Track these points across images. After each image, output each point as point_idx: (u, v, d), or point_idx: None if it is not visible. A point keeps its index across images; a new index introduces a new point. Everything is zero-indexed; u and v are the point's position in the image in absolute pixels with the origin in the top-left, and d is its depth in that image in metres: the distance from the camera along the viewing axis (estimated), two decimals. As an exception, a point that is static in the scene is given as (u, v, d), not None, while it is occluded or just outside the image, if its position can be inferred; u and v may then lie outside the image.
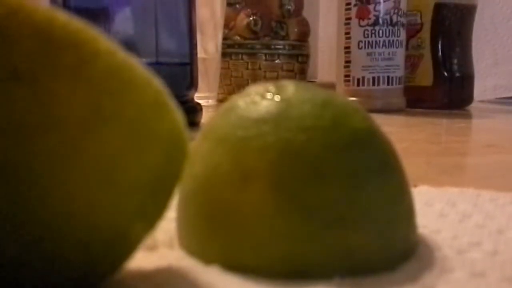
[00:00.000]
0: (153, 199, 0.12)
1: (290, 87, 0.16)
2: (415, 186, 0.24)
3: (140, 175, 0.12)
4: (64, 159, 0.10)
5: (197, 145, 0.16)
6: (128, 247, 0.13)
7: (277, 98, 0.15)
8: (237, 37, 0.84)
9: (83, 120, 0.10)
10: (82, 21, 0.11)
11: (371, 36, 0.70)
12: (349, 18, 0.72)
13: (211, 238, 0.15)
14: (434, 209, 0.20)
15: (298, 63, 0.85)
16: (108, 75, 0.11)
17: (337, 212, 0.14)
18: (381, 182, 0.15)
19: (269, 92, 0.15)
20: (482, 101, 0.92)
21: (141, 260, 0.15)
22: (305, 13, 0.86)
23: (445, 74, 0.77)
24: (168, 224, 0.16)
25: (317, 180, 0.14)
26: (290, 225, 0.14)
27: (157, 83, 0.12)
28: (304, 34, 0.85)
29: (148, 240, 0.13)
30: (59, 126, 0.10)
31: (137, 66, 0.12)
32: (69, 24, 0.11)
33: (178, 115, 0.13)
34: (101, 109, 0.11)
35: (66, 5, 0.45)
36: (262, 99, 0.15)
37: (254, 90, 0.16)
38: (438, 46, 0.76)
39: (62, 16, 0.11)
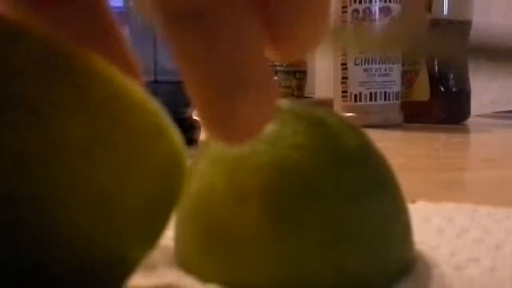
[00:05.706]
0: (151, 221, 0.12)
1: (285, 105, 0.16)
2: (413, 201, 0.24)
3: (139, 198, 0.12)
4: (63, 184, 0.10)
5: (194, 164, 0.16)
6: (127, 268, 0.13)
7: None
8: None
9: (82, 146, 0.11)
10: (81, 46, 0.11)
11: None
12: (346, 35, 0.72)
13: (208, 257, 0.15)
14: (432, 225, 0.20)
15: (296, 80, 0.86)
16: (107, 101, 0.11)
17: (332, 232, 0.14)
18: (376, 201, 0.15)
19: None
20: (479, 116, 0.92)
21: (140, 279, 0.15)
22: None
23: (442, 89, 0.77)
24: (167, 243, 0.16)
25: (311, 199, 0.14)
26: (286, 245, 0.14)
27: (156, 106, 0.12)
28: (301, 51, 0.86)
29: (147, 259, 0.13)
30: (58, 152, 0.10)
31: (136, 89, 0.12)
32: (68, 50, 0.11)
33: (177, 137, 0.13)
34: (99, 134, 0.11)
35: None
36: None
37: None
38: (434, 62, 0.77)
39: (62, 43, 0.11)
